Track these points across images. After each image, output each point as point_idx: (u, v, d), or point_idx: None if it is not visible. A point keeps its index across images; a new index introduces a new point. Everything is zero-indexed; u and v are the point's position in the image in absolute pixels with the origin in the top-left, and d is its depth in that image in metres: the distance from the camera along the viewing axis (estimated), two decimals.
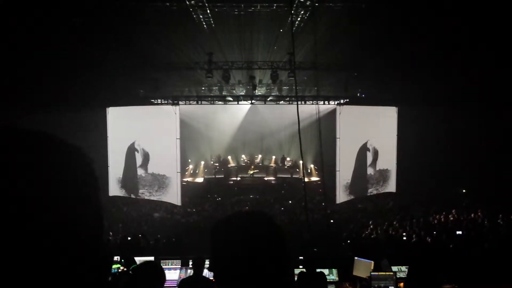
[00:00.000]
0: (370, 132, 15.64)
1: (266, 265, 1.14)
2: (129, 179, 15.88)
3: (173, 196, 15.13)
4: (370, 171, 16.03)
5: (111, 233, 10.99)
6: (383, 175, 16.15)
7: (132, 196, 15.89)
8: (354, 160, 15.70)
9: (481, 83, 12.64)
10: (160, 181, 15.41)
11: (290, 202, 15.76)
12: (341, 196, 15.33)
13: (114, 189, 15.98)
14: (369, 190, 16.15)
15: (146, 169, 15.69)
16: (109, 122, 15.63)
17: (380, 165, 16.09)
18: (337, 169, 15.01)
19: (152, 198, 15.62)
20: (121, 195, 15.96)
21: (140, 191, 15.77)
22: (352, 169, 15.69)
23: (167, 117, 14.88)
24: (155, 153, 15.32)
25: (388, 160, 16.06)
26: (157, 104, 15.90)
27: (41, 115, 12.99)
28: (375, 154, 15.89)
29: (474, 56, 11.34)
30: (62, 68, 11.87)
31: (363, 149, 15.77)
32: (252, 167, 19.91)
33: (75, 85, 13.09)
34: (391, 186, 16.25)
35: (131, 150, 15.68)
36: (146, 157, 15.56)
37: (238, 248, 1.14)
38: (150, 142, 15.34)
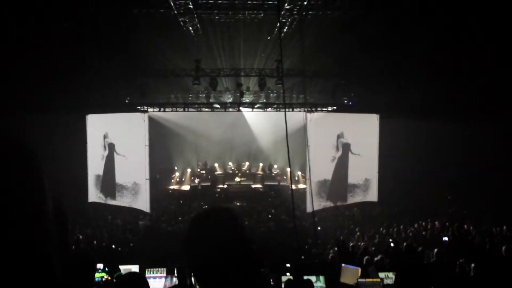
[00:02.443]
0: (346, 139, 15.49)
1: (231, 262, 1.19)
2: (106, 185, 15.92)
3: (143, 203, 15.13)
4: (349, 179, 15.78)
5: (95, 241, 10.80)
6: (363, 184, 15.97)
7: (110, 202, 15.85)
8: (331, 168, 15.48)
9: (465, 91, 12.82)
10: (130, 188, 15.40)
11: (277, 209, 15.70)
12: (315, 203, 14.90)
13: (93, 195, 16.06)
14: (349, 199, 15.91)
15: (118, 176, 15.74)
16: (88, 128, 15.66)
17: (360, 174, 15.84)
18: (307, 177, 14.80)
19: (123, 205, 15.59)
20: (100, 201, 15.96)
21: (117, 197, 15.70)
22: (329, 177, 15.50)
23: (139, 124, 15.01)
24: (127, 160, 15.33)
25: (369, 168, 15.79)
26: (143, 111, 15.84)
27: (20, 118, 12.78)
28: (345, 149, 15.62)
29: (458, 64, 11.54)
30: (44, 72, 11.71)
31: (340, 156, 15.65)
32: (239, 174, 19.83)
33: (56, 90, 12.90)
34: (372, 195, 15.94)
35: (107, 157, 15.74)
36: (119, 164, 15.60)
37: (203, 244, 1.21)
38: (123, 149, 15.43)
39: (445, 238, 10.33)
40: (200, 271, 1.21)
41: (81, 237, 11.39)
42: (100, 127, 15.71)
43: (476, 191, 13.97)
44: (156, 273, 6.91)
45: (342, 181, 15.61)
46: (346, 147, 15.49)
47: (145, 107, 16.22)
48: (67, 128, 14.87)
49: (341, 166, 15.55)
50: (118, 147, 15.48)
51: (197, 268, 1.22)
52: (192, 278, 6.38)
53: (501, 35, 9.94)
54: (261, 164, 20.40)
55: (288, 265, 7.77)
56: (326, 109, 16.34)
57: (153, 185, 16.08)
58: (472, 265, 7.23)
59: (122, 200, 15.61)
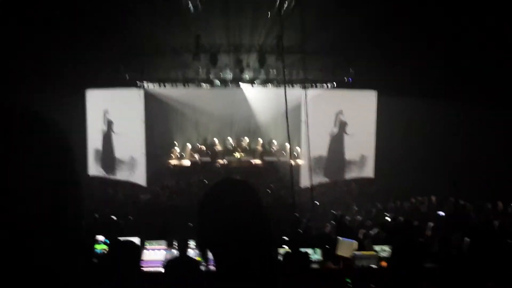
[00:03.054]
0: (344, 116, 15.55)
1: (250, 232, 1.14)
2: (105, 160, 16.25)
3: (140, 177, 15.49)
4: (345, 156, 15.94)
5: (96, 215, 10.98)
6: (359, 160, 16.06)
7: (109, 176, 16.16)
8: (326, 144, 15.60)
9: (473, 69, 12.61)
10: (128, 163, 15.70)
11: (276, 185, 15.87)
12: (299, 180, 15.05)
13: (93, 169, 16.40)
14: (345, 175, 16.08)
15: (116, 151, 16.07)
16: (88, 104, 15.88)
17: (356, 150, 15.95)
18: (304, 153, 14.94)
19: (122, 179, 15.94)
20: (100, 175, 16.32)
21: (115, 172, 16.04)
22: (325, 153, 15.62)
23: (135, 101, 15.23)
24: (125, 135, 15.62)
25: (365, 145, 15.88)
26: (141, 87, 15.89)
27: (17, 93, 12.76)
28: (343, 125, 15.72)
29: (465, 40, 11.36)
30: (42, 47, 11.63)
31: (335, 133, 15.69)
32: (239, 150, 19.92)
33: (56, 65, 12.85)
34: (367, 172, 16.09)
35: (106, 132, 16.04)
36: (117, 139, 15.94)
37: (223, 215, 1.15)
38: (121, 124, 15.73)
39: (441, 213, 10.50)
40: (214, 245, 1.16)
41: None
42: (99, 103, 15.87)
43: (476, 170, 13.95)
44: (156, 245, 7.09)
45: (338, 158, 15.74)
46: (343, 125, 15.55)
47: (145, 83, 16.20)
48: (67, 103, 14.90)
49: (338, 143, 15.66)
50: (116, 122, 15.70)
51: (211, 243, 1.16)
52: (194, 251, 6.54)
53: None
54: (260, 140, 20.44)
55: (285, 238, 7.95)
56: (326, 86, 16.30)
57: (152, 160, 16.23)
58: (466, 239, 7.40)
59: (120, 174, 15.91)
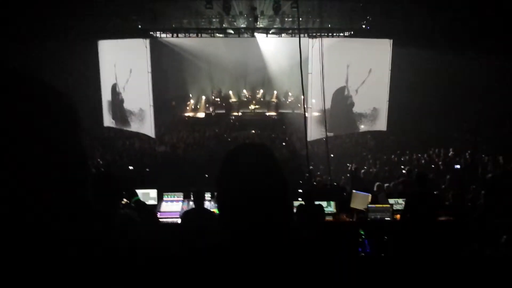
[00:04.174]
0: (353, 67, 14.79)
1: (269, 198, 1.14)
2: (116, 111, 16.29)
3: (148, 128, 15.42)
4: (356, 109, 15.39)
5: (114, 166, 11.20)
6: (371, 113, 15.50)
7: (122, 128, 16.30)
8: (332, 97, 14.99)
9: (490, 20, 11.95)
10: (138, 114, 15.66)
11: (291, 137, 15.84)
12: (316, 132, 14.51)
13: (107, 121, 16.54)
14: (357, 128, 15.70)
15: (126, 103, 16.03)
16: (100, 54, 15.69)
17: (368, 103, 15.36)
18: (309, 105, 14.50)
19: (131, 130, 16.04)
20: (114, 126, 16.50)
21: (126, 123, 16.16)
22: (337, 106, 15.09)
23: (141, 51, 14.77)
24: (134, 87, 15.40)
25: (378, 97, 15.27)
26: (154, 37, 15.58)
27: (30, 45, 12.68)
28: (352, 91, 15.18)
29: None
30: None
31: (341, 86, 15.25)
32: (254, 102, 19.79)
33: (66, 16, 12.61)
34: (380, 125, 15.51)
35: (116, 83, 15.94)
36: (127, 91, 15.80)
37: (244, 179, 1.15)
38: (130, 75, 15.47)
39: (457, 166, 10.40)
40: (233, 211, 1.15)
41: (101, 162, 11.84)
42: (111, 53, 15.66)
43: (492, 123, 13.62)
44: (173, 197, 7.24)
45: (349, 110, 15.37)
46: (355, 77, 15.05)
47: (158, 32, 15.85)
48: (80, 53, 14.82)
49: (350, 94, 15.22)
50: (124, 73, 15.48)
51: (231, 208, 1.16)
52: (210, 203, 6.63)
53: None
54: (275, 92, 20.22)
55: (300, 190, 8.01)
56: (342, 34, 15.72)
57: (167, 112, 16.22)
58: (483, 192, 7.34)
59: (131, 126, 15.97)
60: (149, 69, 14.80)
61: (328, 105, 14.92)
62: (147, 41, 14.93)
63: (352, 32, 15.57)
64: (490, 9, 11.13)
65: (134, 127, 15.87)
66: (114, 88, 15.99)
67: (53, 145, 0.72)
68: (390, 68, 14.86)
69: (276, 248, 1.13)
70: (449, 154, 12.09)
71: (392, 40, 14.77)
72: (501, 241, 5.25)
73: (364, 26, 15.35)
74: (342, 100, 15.23)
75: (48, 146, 0.71)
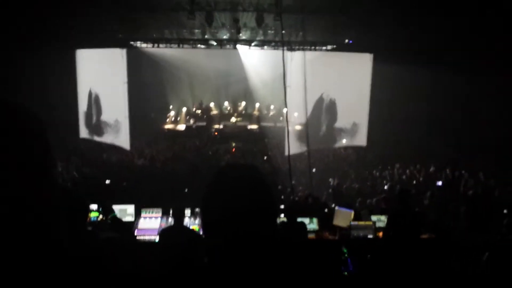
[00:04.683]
0: (333, 81, 14.78)
1: (256, 219, 1.14)
2: (92, 123, 15.98)
3: (123, 140, 15.18)
4: (337, 124, 15.43)
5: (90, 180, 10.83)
6: (351, 128, 15.54)
7: (97, 139, 15.94)
8: (312, 111, 15.03)
9: (471, 35, 12.18)
10: (113, 126, 15.40)
11: (273, 151, 15.71)
12: (297, 146, 14.34)
13: (83, 132, 16.14)
14: (337, 143, 15.68)
15: (103, 114, 15.72)
16: (78, 64, 15.33)
17: (348, 118, 15.40)
18: (287, 119, 14.46)
19: (107, 142, 15.70)
20: (90, 138, 16.09)
21: (102, 135, 15.82)
22: (317, 120, 15.16)
23: (118, 61, 14.59)
24: (109, 97, 15.19)
25: (358, 112, 15.32)
26: (135, 47, 15.34)
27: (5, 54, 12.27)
28: (332, 106, 15.24)
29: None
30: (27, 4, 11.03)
31: (321, 100, 15.21)
32: (235, 114, 19.65)
33: (43, 24, 12.28)
34: (360, 140, 15.57)
35: (91, 95, 15.63)
36: (103, 101, 15.57)
37: (232, 199, 1.15)
38: (106, 86, 15.24)
39: (439, 183, 10.44)
40: (219, 229, 1.14)
41: (77, 175, 11.42)
42: (88, 63, 15.30)
43: (474, 139, 13.75)
44: (152, 213, 6.97)
45: (329, 125, 15.36)
46: (335, 91, 15.06)
47: (138, 42, 15.61)
48: (57, 63, 14.42)
49: (330, 109, 15.21)
50: (101, 83, 15.17)
51: (217, 228, 1.15)
52: (189, 219, 6.40)
53: None
54: (257, 104, 20.13)
55: (281, 206, 7.86)
56: (325, 48, 15.80)
57: (147, 124, 15.93)
58: (463, 208, 7.35)
59: (107, 138, 15.62)
60: (125, 80, 14.51)
61: (316, 119, 14.95)
62: (124, 50, 14.68)
63: (335, 46, 15.66)
64: (471, 26, 11.34)
65: (109, 138, 15.51)
66: (90, 98, 15.62)
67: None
68: (370, 83, 14.95)
69: (261, 265, 1.12)
70: (430, 170, 12.15)
71: (372, 55, 14.89)
72: (483, 258, 5.20)
73: (347, 41, 15.47)
74: (321, 114, 15.23)
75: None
